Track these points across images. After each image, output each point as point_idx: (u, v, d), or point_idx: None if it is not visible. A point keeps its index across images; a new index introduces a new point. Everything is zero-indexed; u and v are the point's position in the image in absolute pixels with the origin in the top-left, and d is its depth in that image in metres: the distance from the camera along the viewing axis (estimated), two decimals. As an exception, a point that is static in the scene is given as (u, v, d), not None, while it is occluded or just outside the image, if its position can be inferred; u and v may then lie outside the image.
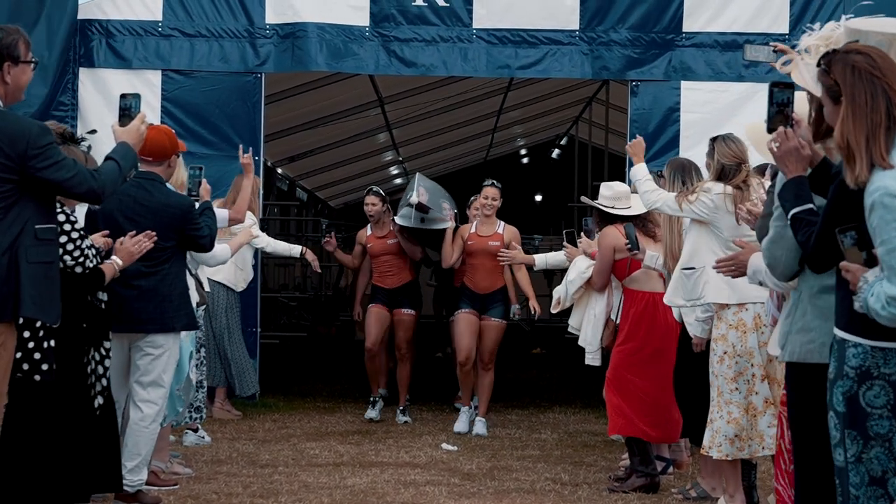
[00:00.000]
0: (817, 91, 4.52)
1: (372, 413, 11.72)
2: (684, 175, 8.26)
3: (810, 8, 11.96)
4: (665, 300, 8.01)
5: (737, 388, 7.52)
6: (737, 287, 7.37)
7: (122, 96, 6.22)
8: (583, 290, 9.34)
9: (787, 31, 11.85)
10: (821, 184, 4.55)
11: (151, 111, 11.56)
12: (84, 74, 12.06)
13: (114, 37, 12.09)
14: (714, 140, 7.94)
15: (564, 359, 17.46)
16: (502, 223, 11.34)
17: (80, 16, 12.07)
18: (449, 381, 12.67)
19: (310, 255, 11.88)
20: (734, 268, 6.01)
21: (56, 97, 11.85)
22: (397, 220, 11.72)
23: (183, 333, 7.95)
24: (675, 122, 12.12)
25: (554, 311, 9.75)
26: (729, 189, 7.67)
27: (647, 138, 12.05)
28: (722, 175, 7.76)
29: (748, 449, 7.54)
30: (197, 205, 7.85)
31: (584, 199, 9.58)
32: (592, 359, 9.34)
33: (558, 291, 9.53)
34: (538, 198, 32.14)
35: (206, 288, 9.25)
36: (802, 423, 4.85)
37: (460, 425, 11.22)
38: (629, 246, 8.62)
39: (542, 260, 10.74)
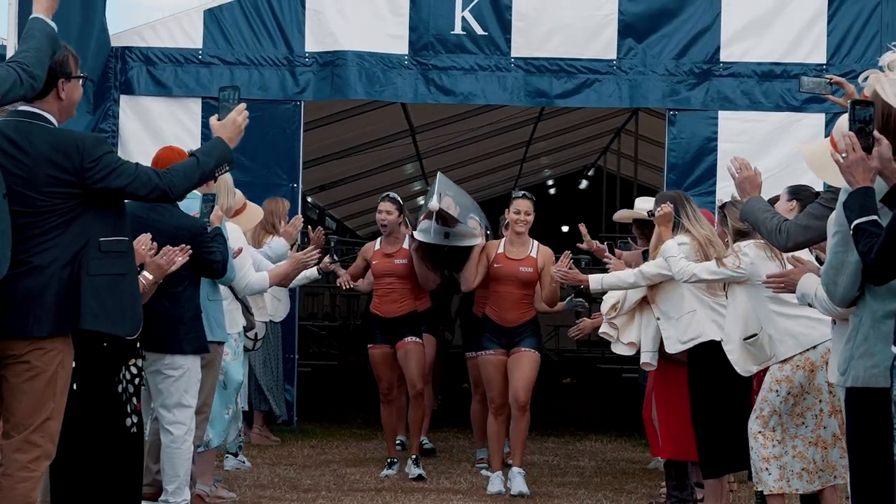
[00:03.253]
0: None
1: (390, 472, 10.07)
2: (679, 207, 8.32)
3: (847, 38, 11.99)
4: (739, 371, 7.74)
5: (803, 423, 7.41)
6: (800, 335, 7.32)
7: (221, 89, 6.16)
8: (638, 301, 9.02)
9: (824, 62, 11.88)
10: None
11: (192, 139, 11.63)
12: (125, 102, 12.17)
13: (154, 64, 12.19)
14: (722, 208, 8.01)
15: (595, 389, 17.46)
16: (536, 243, 9.57)
17: (120, 43, 12.20)
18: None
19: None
20: (783, 285, 6.02)
21: (97, 124, 11.96)
22: (416, 234, 9.76)
23: (230, 356, 7.93)
24: (712, 152, 12.12)
25: (608, 316, 8.79)
26: (758, 239, 7.69)
27: (684, 168, 12.17)
28: (740, 237, 7.79)
29: (819, 481, 7.47)
30: (209, 229, 7.73)
31: (621, 212, 9.47)
32: (652, 357, 8.56)
33: (615, 296, 8.75)
34: (565, 228, 32.14)
35: (263, 318, 9.14)
36: (863, 448, 4.82)
37: (495, 486, 9.34)
38: None
39: (597, 280, 8.71)
